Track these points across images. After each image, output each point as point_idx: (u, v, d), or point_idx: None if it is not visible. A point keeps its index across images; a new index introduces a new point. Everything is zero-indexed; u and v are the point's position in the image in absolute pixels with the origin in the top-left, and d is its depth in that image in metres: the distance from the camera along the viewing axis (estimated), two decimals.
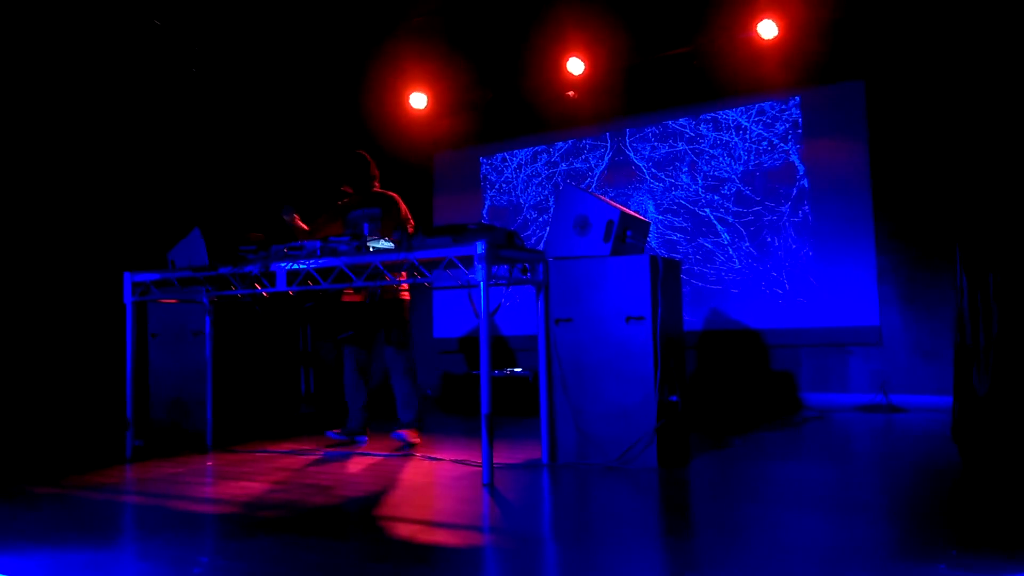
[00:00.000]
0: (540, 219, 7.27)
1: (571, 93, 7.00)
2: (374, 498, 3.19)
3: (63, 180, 5.85)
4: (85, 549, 2.55)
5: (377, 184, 4.68)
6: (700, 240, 6.51)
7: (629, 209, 3.95)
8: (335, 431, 4.64)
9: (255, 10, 6.39)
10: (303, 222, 4.65)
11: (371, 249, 3.71)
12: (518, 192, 7.47)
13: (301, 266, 3.85)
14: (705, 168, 6.55)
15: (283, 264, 3.91)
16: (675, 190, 6.67)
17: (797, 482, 3.32)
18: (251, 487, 3.45)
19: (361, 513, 2.96)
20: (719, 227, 6.45)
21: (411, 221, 4.59)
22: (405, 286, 4.54)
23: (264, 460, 4.19)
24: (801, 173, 6.15)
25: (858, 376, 5.82)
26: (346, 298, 4.60)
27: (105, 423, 5.22)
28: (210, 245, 4.22)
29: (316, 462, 4.09)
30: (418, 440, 4.46)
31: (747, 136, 6.39)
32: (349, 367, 4.61)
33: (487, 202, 7.65)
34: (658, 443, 3.54)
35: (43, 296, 5.65)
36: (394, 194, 4.64)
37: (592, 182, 7.02)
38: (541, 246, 7.11)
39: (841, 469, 3.65)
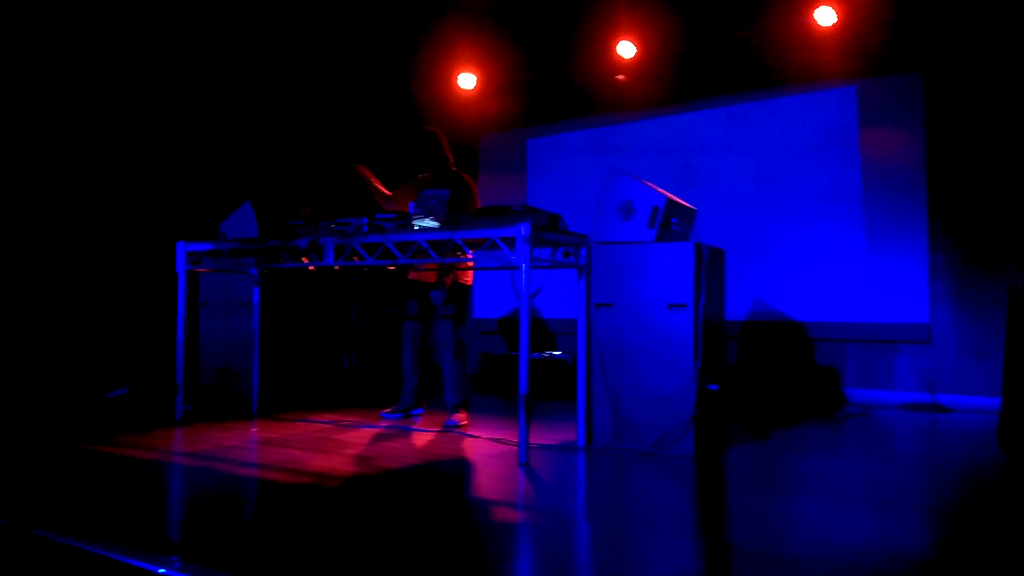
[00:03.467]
0: (575, 199, 7.23)
1: (621, 77, 6.93)
2: (411, 471, 3.26)
3: (125, 154, 6.03)
4: (133, 507, 2.66)
5: (451, 163, 4.62)
6: (749, 228, 6.41)
7: (675, 196, 3.92)
8: (388, 410, 4.72)
9: None
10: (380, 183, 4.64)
11: (416, 227, 3.76)
12: (561, 173, 7.45)
13: (346, 242, 3.92)
14: (757, 156, 6.44)
15: (331, 239, 3.98)
16: (725, 175, 6.57)
17: (835, 478, 3.28)
18: (291, 454, 3.55)
19: (398, 485, 3.03)
20: (769, 217, 6.34)
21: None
22: (469, 272, 4.54)
23: (306, 429, 4.30)
24: (856, 164, 6.00)
25: (905, 374, 5.70)
26: (412, 275, 4.63)
27: (157, 387, 5.40)
28: (260, 218, 4.32)
29: (356, 433, 4.18)
30: (466, 421, 4.53)
31: (801, 125, 6.25)
32: (408, 345, 4.64)
33: (530, 183, 7.65)
34: (695, 431, 3.53)
35: (104, 265, 5.85)
36: (469, 178, 4.57)
37: (640, 166, 6.95)
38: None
39: (881, 467, 3.60)
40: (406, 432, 4.25)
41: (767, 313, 6.26)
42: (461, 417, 4.48)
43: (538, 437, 3.92)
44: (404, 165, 4.68)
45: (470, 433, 4.21)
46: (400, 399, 4.71)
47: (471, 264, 4.34)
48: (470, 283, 4.62)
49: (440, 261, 3.81)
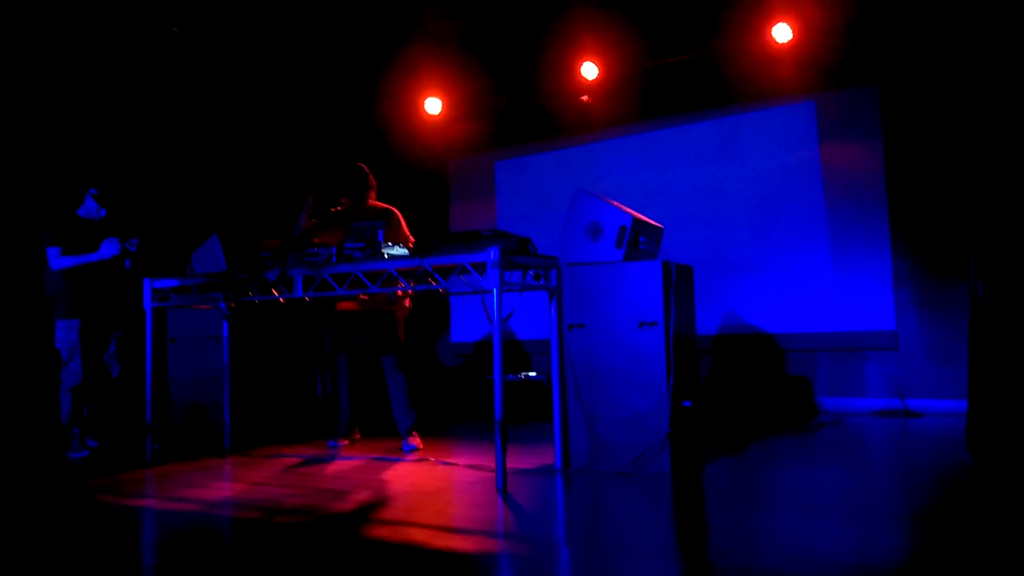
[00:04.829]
0: (545, 220, 7.27)
1: (585, 97, 7.01)
2: (389, 503, 3.22)
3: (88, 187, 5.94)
4: (102, 554, 2.60)
5: (374, 196, 4.76)
6: (715, 244, 6.49)
7: (642, 215, 3.96)
8: (334, 440, 4.75)
9: (271, 16, 6.46)
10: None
11: (385, 256, 3.75)
12: (531, 195, 7.48)
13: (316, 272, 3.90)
14: (720, 172, 6.53)
15: (300, 270, 3.95)
16: (691, 193, 6.66)
17: (811, 488, 3.31)
18: (268, 491, 3.49)
19: (376, 518, 2.99)
20: (735, 231, 6.43)
21: (411, 239, 4.63)
22: (408, 295, 4.59)
23: (281, 464, 4.23)
24: (818, 176, 6.12)
25: (874, 381, 5.78)
26: (340, 306, 4.65)
27: (126, 427, 5.29)
28: (228, 251, 4.29)
29: (332, 467, 4.13)
30: (420, 444, 4.54)
31: (762, 140, 6.37)
32: (341, 376, 4.73)
33: (499, 206, 7.68)
34: (671, 449, 3.55)
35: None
36: (395, 209, 4.72)
37: (607, 186, 7.01)
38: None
39: (855, 475, 3.64)
40: (381, 464, 4.21)
41: (737, 326, 6.32)
42: (415, 440, 4.52)
43: (515, 461, 3.91)
44: (329, 196, 4.82)
45: (447, 460, 4.19)
46: (338, 430, 4.77)
47: (399, 293, 4.43)
48: (407, 307, 4.72)
49: (412, 288, 3.81)
